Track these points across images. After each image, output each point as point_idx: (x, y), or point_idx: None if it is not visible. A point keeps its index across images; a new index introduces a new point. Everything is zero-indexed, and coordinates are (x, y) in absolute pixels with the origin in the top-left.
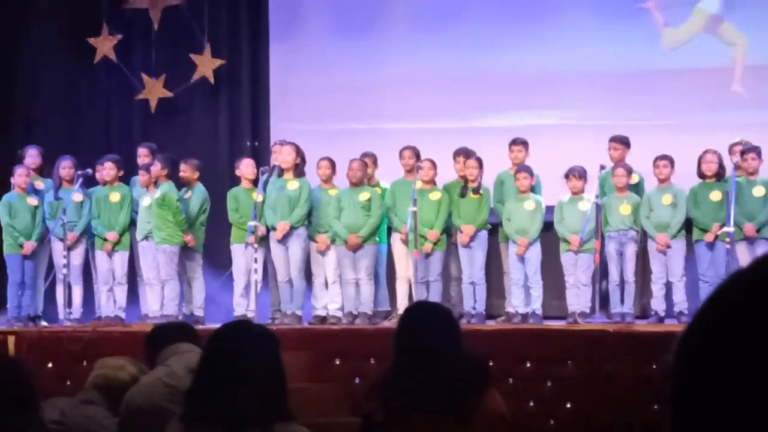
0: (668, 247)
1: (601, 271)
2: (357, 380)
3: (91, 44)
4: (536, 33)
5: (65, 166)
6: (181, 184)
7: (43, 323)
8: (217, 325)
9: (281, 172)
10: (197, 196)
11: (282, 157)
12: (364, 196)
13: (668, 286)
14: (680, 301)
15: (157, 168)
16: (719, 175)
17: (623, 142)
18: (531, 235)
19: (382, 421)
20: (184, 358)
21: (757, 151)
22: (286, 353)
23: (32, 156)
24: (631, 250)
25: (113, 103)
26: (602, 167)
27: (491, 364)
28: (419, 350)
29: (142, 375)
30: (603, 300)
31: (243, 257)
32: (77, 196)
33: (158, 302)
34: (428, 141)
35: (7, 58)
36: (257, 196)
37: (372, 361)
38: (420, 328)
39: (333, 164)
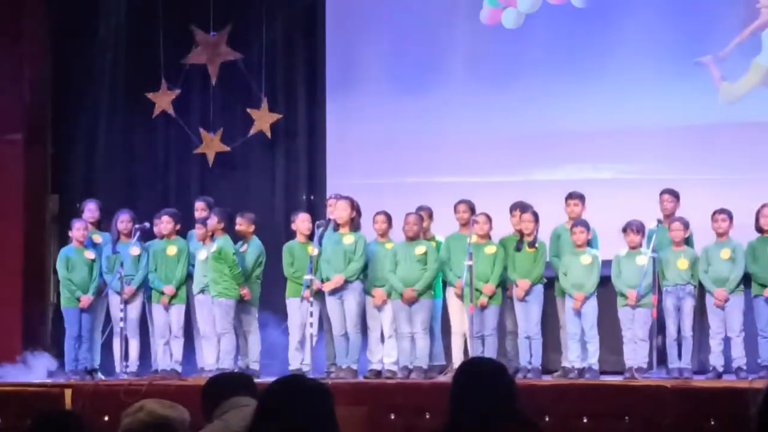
0: (726, 301)
1: (659, 326)
2: None
3: (150, 99)
4: (593, 87)
5: (123, 220)
6: (237, 237)
7: (100, 376)
8: (273, 379)
9: (337, 226)
10: (253, 249)
11: (337, 211)
12: (420, 249)
13: (726, 341)
14: (739, 356)
15: (213, 222)
16: None
17: (675, 195)
18: (587, 289)
19: None
20: (242, 412)
21: None
22: (340, 407)
23: (90, 210)
24: (688, 305)
25: (171, 157)
26: (659, 222)
27: (547, 419)
28: (474, 407)
29: (168, 410)
30: (660, 355)
31: (298, 311)
32: (134, 250)
33: (214, 356)
34: (483, 195)
35: (69, 112)
36: (313, 250)
37: (427, 416)
38: (475, 385)
39: (389, 218)
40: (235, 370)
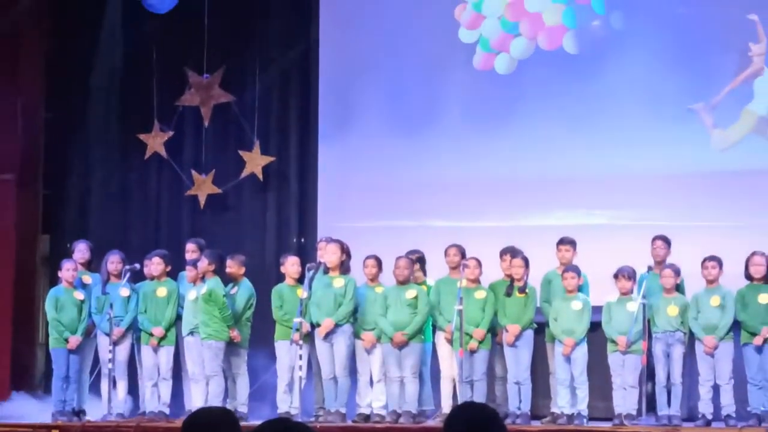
0: (716, 348)
1: (648, 373)
2: None
3: (142, 140)
4: (586, 133)
5: (113, 261)
6: (227, 279)
7: (87, 418)
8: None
9: (327, 269)
10: (243, 292)
11: (327, 255)
12: (410, 293)
13: (716, 388)
14: (728, 404)
15: (204, 264)
16: None
17: (666, 241)
18: (578, 335)
19: None
20: None
21: None
22: None
23: (81, 251)
24: (678, 352)
25: (163, 198)
26: (650, 268)
27: None
28: None
29: None
30: (650, 402)
31: (287, 354)
32: (124, 291)
33: (203, 398)
34: (474, 239)
35: (61, 152)
36: (302, 293)
37: None
38: (468, 429)
39: (379, 263)
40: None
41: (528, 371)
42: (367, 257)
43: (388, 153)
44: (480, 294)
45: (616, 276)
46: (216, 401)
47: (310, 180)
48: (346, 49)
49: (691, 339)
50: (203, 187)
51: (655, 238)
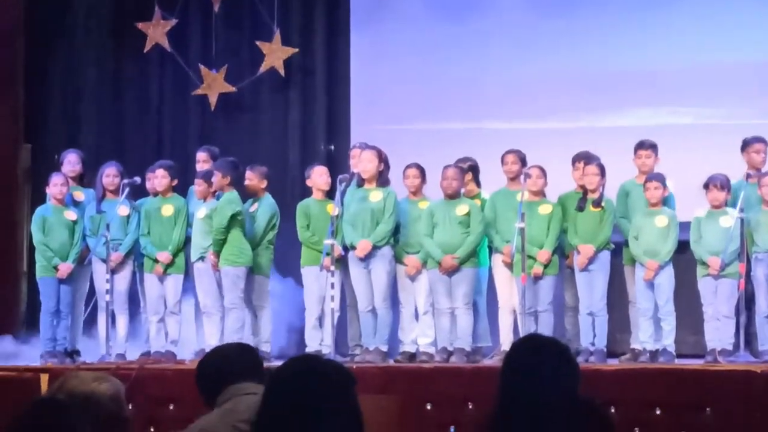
0: None
1: (747, 301)
2: (452, 429)
3: (140, 30)
4: (669, 17)
5: (109, 174)
6: (246, 195)
7: (82, 359)
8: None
9: (361, 181)
10: (265, 209)
11: (362, 164)
12: (461, 209)
13: None
14: None
15: (218, 177)
16: None
17: (765, 143)
18: (663, 256)
19: None
20: (247, 400)
21: None
22: (366, 397)
23: (71, 162)
24: None
25: (166, 99)
26: (749, 175)
27: (613, 410)
28: (530, 395)
29: (93, 384)
30: (749, 335)
31: (316, 282)
32: (123, 210)
33: (218, 335)
34: (537, 144)
35: (45, 48)
36: (333, 210)
37: (470, 407)
38: (530, 368)
39: (423, 172)
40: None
41: (604, 300)
42: (408, 166)
43: (432, 42)
44: (545, 209)
45: (706, 186)
46: (234, 339)
47: (341, 75)
48: None
49: None
50: (214, 85)
51: (751, 141)
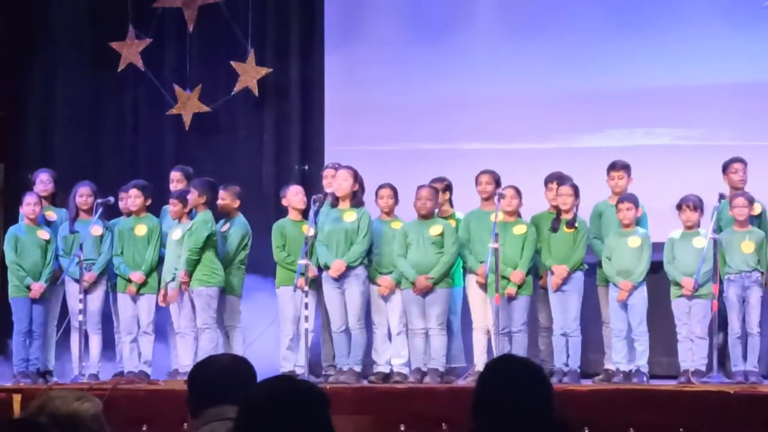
0: None
1: (720, 321)
2: None
3: (114, 50)
4: (646, 38)
5: (82, 194)
6: (218, 214)
7: (54, 380)
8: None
9: (335, 201)
10: (237, 229)
11: (337, 183)
12: (435, 230)
13: None
14: None
15: (194, 196)
16: None
17: (744, 163)
18: (636, 277)
19: None
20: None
21: None
22: (339, 418)
23: (43, 181)
24: (755, 296)
25: (141, 119)
26: (722, 196)
27: (587, 431)
28: (504, 416)
29: (75, 404)
30: (722, 356)
31: (291, 303)
32: (96, 230)
33: (191, 355)
34: (511, 164)
35: (19, 66)
36: (308, 230)
37: (444, 427)
38: (504, 388)
39: (395, 192)
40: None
41: (577, 321)
42: (381, 186)
43: (407, 63)
44: (519, 229)
45: (679, 206)
46: None
47: (315, 95)
48: None
49: None
50: (188, 104)
51: (731, 161)
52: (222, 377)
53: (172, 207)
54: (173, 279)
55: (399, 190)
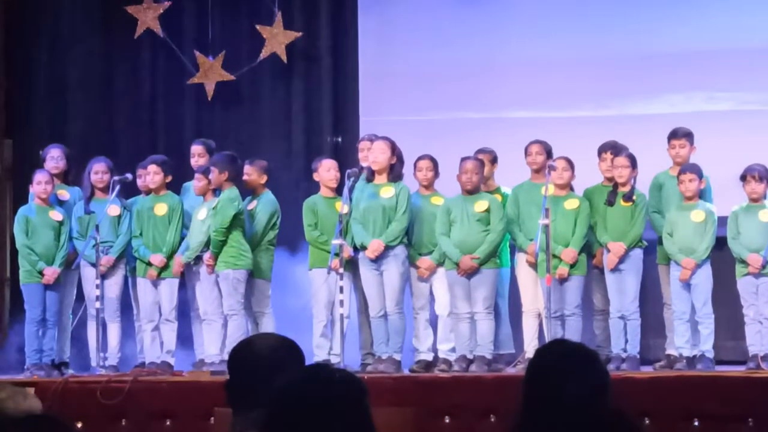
0: None
1: None
2: None
3: (131, 14)
4: None
5: (98, 171)
6: (244, 191)
7: (71, 372)
8: None
9: (371, 175)
10: (264, 207)
11: (373, 156)
12: (480, 205)
13: None
14: None
15: (215, 173)
16: None
17: None
18: (700, 254)
19: None
20: None
21: None
22: (378, 410)
23: (54, 158)
24: None
25: (159, 89)
26: None
27: (647, 422)
28: (554, 406)
29: (29, 400)
30: None
31: (324, 286)
32: (113, 209)
33: (218, 344)
34: (563, 134)
35: (26, 34)
36: (342, 207)
37: (492, 419)
38: (556, 376)
39: (436, 164)
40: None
41: (636, 303)
42: (420, 157)
43: (447, 25)
44: (571, 203)
45: (743, 177)
46: None
47: (349, 61)
48: None
49: None
50: (211, 73)
51: None
52: (264, 361)
53: (197, 182)
54: (196, 262)
55: (440, 163)
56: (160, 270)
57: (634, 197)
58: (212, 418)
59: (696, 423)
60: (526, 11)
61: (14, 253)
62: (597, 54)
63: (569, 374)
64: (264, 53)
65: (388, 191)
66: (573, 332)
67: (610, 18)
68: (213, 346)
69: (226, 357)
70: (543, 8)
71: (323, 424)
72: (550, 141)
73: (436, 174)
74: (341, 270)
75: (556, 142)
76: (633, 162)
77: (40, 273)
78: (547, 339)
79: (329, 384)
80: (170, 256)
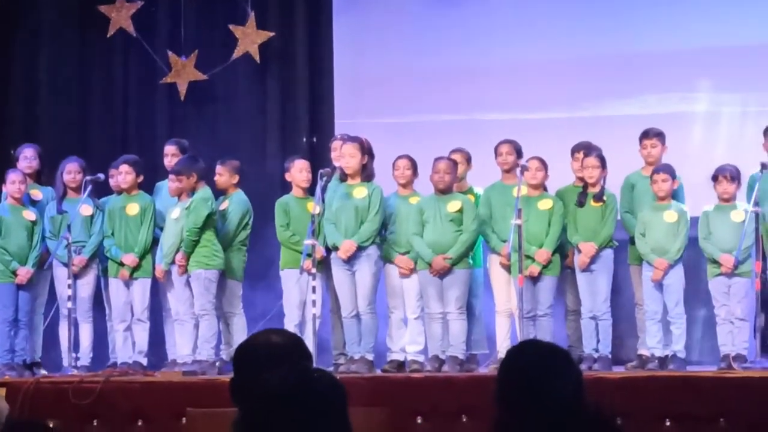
0: None
1: (763, 301)
2: None
3: (102, 13)
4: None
5: (70, 171)
6: (216, 191)
7: (43, 372)
8: None
9: (344, 176)
10: (236, 207)
11: (344, 159)
12: (453, 205)
13: None
14: None
15: (183, 181)
16: None
17: None
18: (672, 255)
19: None
20: None
21: None
22: (352, 410)
23: (27, 157)
24: None
25: (132, 89)
26: (764, 166)
27: (620, 422)
28: (527, 406)
29: None
30: (765, 339)
31: (296, 286)
32: (86, 209)
33: (190, 344)
34: (535, 134)
35: None
36: (314, 208)
37: (464, 420)
38: (529, 376)
39: (414, 164)
40: (217, 363)
41: (607, 303)
42: (399, 157)
43: (421, 27)
44: (545, 204)
45: (714, 177)
46: (207, 348)
47: (323, 62)
48: None
49: None
50: (183, 72)
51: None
52: (268, 359)
53: (172, 183)
54: (172, 261)
55: (416, 162)
56: (132, 270)
57: (604, 197)
58: (184, 419)
59: (668, 423)
60: (500, 14)
61: None
62: (571, 56)
63: (551, 374)
64: (237, 53)
65: (360, 192)
66: (545, 332)
67: (584, 21)
68: (185, 347)
69: (197, 357)
70: (516, 11)
71: (303, 424)
72: (525, 143)
73: (415, 173)
74: (314, 270)
75: (530, 144)
76: (603, 162)
77: (14, 273)
78: (520, 339)
79: (308, 386)
80: (142, 256)
